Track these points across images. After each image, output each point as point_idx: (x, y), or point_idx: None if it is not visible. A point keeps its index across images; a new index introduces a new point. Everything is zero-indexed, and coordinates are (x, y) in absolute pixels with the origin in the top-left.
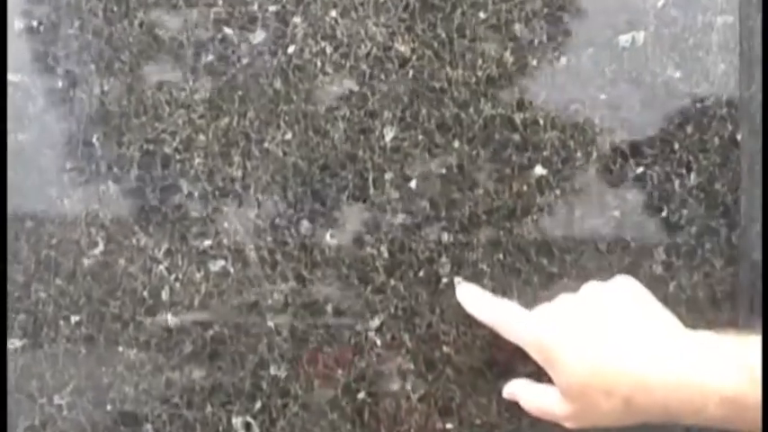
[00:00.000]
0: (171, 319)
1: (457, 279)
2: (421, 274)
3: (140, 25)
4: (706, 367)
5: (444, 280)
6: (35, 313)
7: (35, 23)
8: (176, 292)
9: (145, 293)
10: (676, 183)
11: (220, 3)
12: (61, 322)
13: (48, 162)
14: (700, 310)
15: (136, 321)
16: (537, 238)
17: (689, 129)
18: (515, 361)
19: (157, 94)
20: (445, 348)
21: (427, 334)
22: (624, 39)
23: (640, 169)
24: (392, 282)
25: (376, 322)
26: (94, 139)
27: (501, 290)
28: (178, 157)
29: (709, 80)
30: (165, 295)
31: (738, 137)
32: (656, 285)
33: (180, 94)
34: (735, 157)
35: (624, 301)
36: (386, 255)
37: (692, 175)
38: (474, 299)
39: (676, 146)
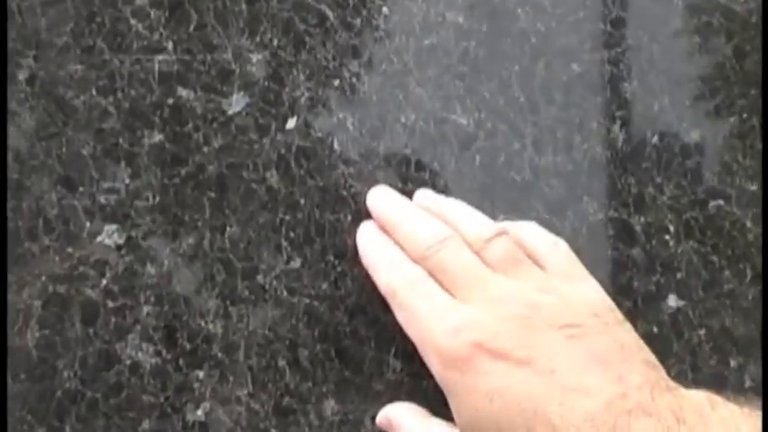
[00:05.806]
0: None
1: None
2: None
3: (29, 81)
4: None
5: None
6: None
7: None
8: None
9: None
10: None
11: (170, 47)
12: None
13: None
14: None
15: None
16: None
17: None
18: None
19: (69, 199)
20: None
21: None
22: None
23: None
24: None
25: None
26: None
27: None
28: (111, 304)
29: None
30: None
31: None
32: None
33: (109, 198)
34: None
35: None
36: None
37: None
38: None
39: None
